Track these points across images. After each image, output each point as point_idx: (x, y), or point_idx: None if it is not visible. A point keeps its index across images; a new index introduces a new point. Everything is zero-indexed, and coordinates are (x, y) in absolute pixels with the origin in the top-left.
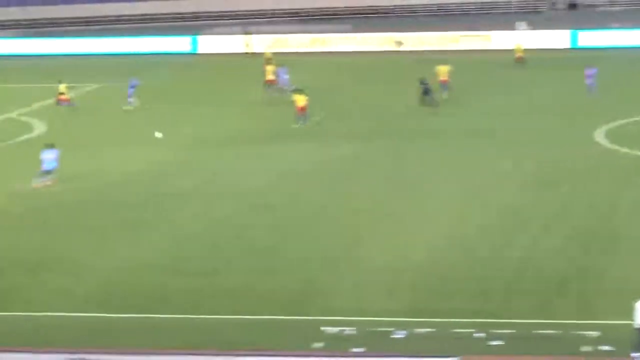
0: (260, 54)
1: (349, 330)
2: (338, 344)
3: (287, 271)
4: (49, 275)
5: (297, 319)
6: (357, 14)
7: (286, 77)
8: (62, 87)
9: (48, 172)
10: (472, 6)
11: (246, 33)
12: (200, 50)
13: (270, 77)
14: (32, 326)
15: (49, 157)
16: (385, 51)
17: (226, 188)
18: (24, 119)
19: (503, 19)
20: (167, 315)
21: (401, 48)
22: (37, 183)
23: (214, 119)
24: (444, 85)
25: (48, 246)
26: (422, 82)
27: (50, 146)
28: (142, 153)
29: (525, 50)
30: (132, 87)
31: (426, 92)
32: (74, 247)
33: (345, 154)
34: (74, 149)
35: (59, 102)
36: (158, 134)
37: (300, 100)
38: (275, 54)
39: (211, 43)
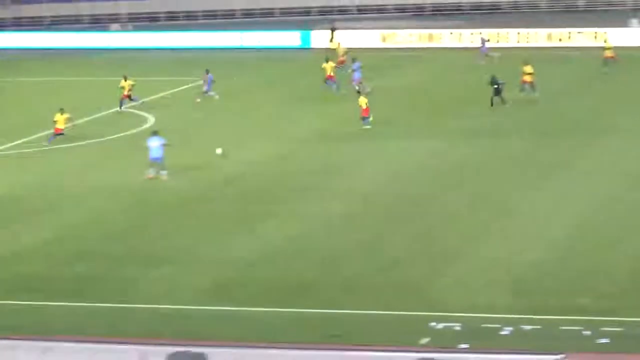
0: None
1: (455, 327)
2: (445, 339)
3: (393, 267)
4: (166, 267)
5: (404, 314)
6: (473, 9)
7: (358, 73)
8: (125, 84)
9: (156, 161)
10: (583, 2)
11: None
12: (313, 45)
13: (330, 73)
14: (148, 317)
15: (155, 145)
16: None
17: (331, 185)
18: (136, 111)
19: (617, 16)
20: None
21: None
22: (150, 174)
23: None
24: (528, 84)
25: (164, 238)
26: (494, 81)
27: (155, 133)
28: (259, 147)
29: (615, 48)
30: (210, 82)
31: (497, 92)
32: (191, 239)
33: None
34: (185, 142)
35: (127, 98)
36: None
37: (362, 101)
38: (381, 49)
39: (323, 37)
